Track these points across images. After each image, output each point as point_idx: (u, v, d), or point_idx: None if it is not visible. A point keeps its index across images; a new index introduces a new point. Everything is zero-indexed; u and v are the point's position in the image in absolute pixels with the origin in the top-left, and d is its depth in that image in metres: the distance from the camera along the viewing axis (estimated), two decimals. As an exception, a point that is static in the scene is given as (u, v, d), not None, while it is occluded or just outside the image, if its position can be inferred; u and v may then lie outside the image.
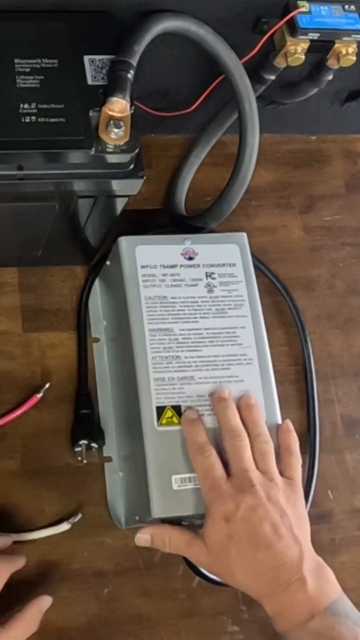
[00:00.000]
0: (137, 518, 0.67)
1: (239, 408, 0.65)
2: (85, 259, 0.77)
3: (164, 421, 0.65)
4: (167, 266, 0.70)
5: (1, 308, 0.75)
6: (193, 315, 0.69)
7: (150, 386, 0.66)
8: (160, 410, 0.65)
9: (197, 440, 0.64)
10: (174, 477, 0.64)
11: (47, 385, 0.72)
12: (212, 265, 0.71)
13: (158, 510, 0.63)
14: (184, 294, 0.69)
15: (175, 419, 0.65)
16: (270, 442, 0.64)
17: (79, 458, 0.70)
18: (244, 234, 0.73)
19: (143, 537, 0.64)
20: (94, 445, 0.70)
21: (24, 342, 0.74)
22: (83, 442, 0.70)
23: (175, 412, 0.65)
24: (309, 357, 0.79)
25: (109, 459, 0.72)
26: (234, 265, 0.72)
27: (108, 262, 0.74)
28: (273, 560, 0.60)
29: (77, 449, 0.70)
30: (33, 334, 0.75)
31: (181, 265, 0.71)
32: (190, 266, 0.71)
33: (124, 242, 0.70)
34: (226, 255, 0.72)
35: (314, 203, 0.87)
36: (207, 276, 0.71)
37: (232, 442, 0.63)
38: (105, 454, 0.72)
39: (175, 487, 0.63)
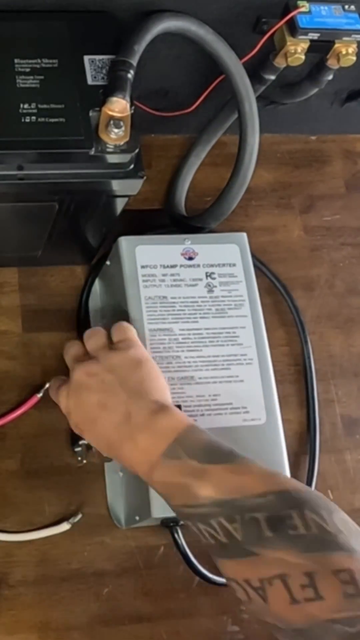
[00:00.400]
0: (137, 518, 0.67)
1: None
2: (85, 259, 0.77)
3: (164, 421, 0.65)
4: (167, 266, 0.70)
5: (1, 308, 0.75)
6: (193, 315, 0.69)
7: (151, 386, 0.66)
8: (160, 409, 0.65)
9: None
10: (174, 477, 0.64)
11: (47, 385, 0.72)
12: (212, 265, 0.71)
13: (158, 510, 0.63)
14: (184, 294, 0.69)
15: (175, 419, 0.65)
16: (100, 329, 0.67)
17: (79, 458, 0.70)
18: (244, 234, 0.73)
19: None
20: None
21: (24, 342, 0.74)
22: (83, 442, 0.70)
23: (175, 412, 0.65)
24: (309, 357, 0.79)
25: (109, 459, 0.72)
26: (234, 265, 0.72)
27: (108, 262, 0.74)
28: (105, 429, 0.61)
29: (77, 449, 0.70)
30: (33, 334, 0.75)
31: (181, 265, 0.70)
32: (190, 266, 0.71)
33: (124, 242, 0.70)
34: (226, 255, 0.72)
35: (314, 203, 0.87)
36: (207, 276, 0.71)
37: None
38: (105, 454, 0.72)
39: (175, 487, 0.63)
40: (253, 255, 0.73)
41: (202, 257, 0.71)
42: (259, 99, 0.72)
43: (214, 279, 0.71)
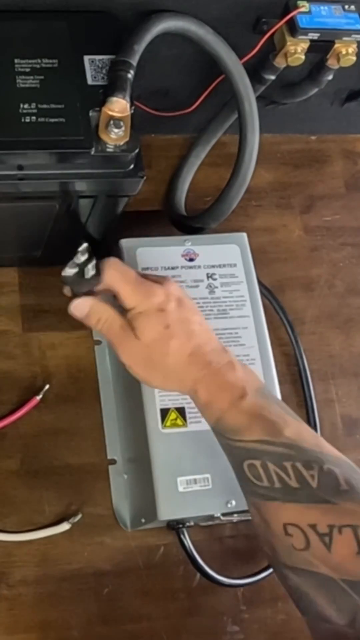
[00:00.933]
0: (143, 520, 0.67)
1: None
2: (85, 259, 0.77)
3: (168, 423, 0.65)
4: (168, 268, 0.70)
5: (1, 308, 0.75)
6: (195, 317, 0.69)
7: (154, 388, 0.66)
8: (165, 412, 0.65)
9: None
10: (179, 479, 0.64)
11: (47, 387, 0.72)
12: (212, 266, 0.71)
13: (164, 512, 0.63)
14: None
15: (179, 421, 0.65)
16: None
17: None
18: (244, 234, 0.73)
19: (80, 306, 0.61)
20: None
21: (24, 342, 0.74)
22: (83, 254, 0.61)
23: (180, 414, 0.65)
24: (301, 357, 0.79)
25: (113, 462, 0.72)
26: (235, 265, 0.72)
27: (109, 265, 0.74)
28: (206, 344, 0.60)
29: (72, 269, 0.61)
30: (33, 334, 0.75)
31: (182, 267, 0.70)
32: (191, 267, 0.71)
33: (125, 244, 0.70)
34: (227, 255, 0.72)
35: (314, 203, 0.87)
36: (208, 277, 0.71)
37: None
38: (109, 457, 0.72)
39: (181, 489, 0.63)
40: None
41: (203, 258, 0.71)
42: (259, 99, 0.72)
43: (215, 279, 0.71)
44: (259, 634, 0.70)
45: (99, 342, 0.75)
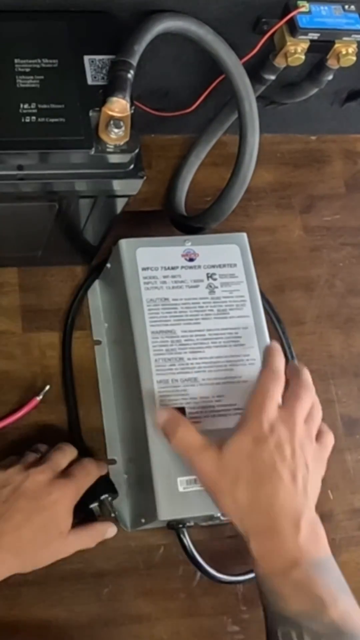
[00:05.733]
0: (143, 520, 0.67)
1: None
2: (85, 259, 0.77)
3: (168, 423, 0.65)
4: (168, 268, 0.70)
5: (1, 308, 0.75)
6: (195, 317, 0.69)
7: (154, 388, 0.65)
8: (165, 412, 0.65)
9: (275, 365, 0.64)
10: (179, 479, 0.64)
11: (47, 388, 0.72)
12: (212, 266, 0.71)
13: (164, 512, 0.63)
14: (186, 295, 0.69)
15: (179, 421, 0.65)
16: (320, 414, 0.64)
17: (97, 514, 0.68)
18: (244, 234, 0.73)
19: (159, 419, 0.63)
20: (109, 498, 0.69)
21: (24, 342, 0.74)
22: (95, 505, 0.68)
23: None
24: (289, 347, 0.79)
25: (113, 462, 0.72)
26: (235, 265, 0.72)
27: (108, 265, 0.74)
28: (278, 499, 0.58)
29: (93, 505, 0.68)
30: (33, 334, 0.75)
31: (182, 267, 0.70)
32: (191, 267, 0.71)
33: (125, 244, 0.70)
34: (227, 255, 0.72)
35: (314, 203, 0.87)
36: (208, 277, 0.71)
37: (298, 384, 0.63)
38: (109, 457, 0.72)
39: (181, 489, 0.63)
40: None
41: (203, 258, 0.71)
42: (259, 99, 0.72)
43: (215, 279, 0.71)
44: (259, 634, 0.70)
45: (98, 342, 0.75)
